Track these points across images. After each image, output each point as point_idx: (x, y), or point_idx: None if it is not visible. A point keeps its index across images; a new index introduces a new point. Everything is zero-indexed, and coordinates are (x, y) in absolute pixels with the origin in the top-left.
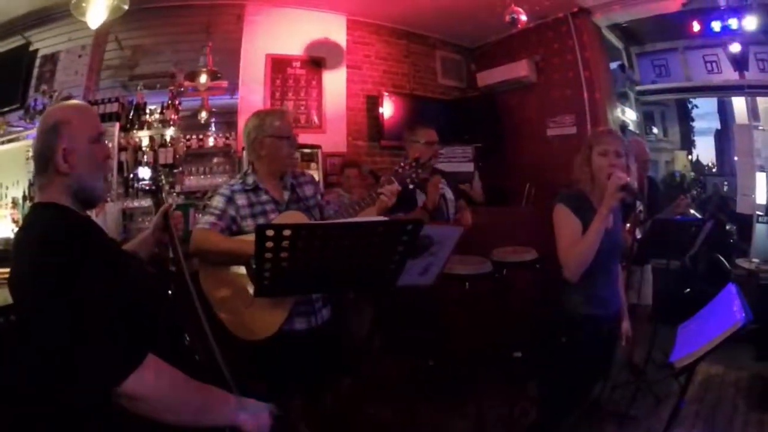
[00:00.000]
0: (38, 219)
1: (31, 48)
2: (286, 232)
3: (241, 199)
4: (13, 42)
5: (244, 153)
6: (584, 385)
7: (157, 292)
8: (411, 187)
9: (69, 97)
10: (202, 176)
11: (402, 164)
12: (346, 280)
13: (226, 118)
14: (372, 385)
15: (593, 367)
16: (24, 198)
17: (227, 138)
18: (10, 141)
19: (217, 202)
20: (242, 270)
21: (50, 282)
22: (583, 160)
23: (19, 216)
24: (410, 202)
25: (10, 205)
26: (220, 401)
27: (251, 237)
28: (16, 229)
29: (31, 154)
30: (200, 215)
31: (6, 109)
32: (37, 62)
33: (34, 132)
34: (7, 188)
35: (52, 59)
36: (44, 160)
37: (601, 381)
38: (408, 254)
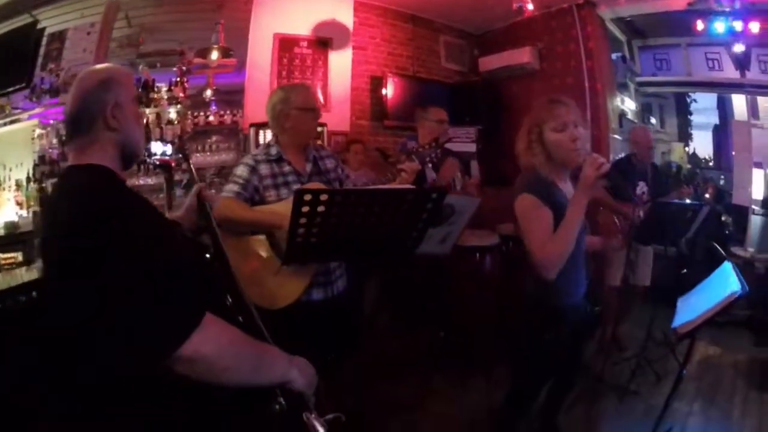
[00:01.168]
0: (82, 182)
1: (39, 26)
2: (323, 197)
3: (264, 170)
4: (21, 20)
5: (251, 130)
6: (563, 364)
7: (198, 256)
8: (430, 166)
9: (76, 75)
10: (208, 153)
11: (423, 144)
12: (371, 247)
13: (229, 96)
14: (383, 360)
15: (573, 350)
16: (28, 180)
17: (234, 116)
18: (12, 122)
19: (242, 171)
20: (263, 239)
21: (105, 247)
22: (533, 140)
23: (23, 198)
24: (422, 179)
25: (14, 187)
26: (275, 357)
27: (274, 207)
28: (17, 211)
29: (68, 114)
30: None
31: (11, 89)
32: (44, 40)
33: (38, 111)
34: (10, 170)
35: (59, 37)
36: (91, 117)
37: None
38: (431, 222)
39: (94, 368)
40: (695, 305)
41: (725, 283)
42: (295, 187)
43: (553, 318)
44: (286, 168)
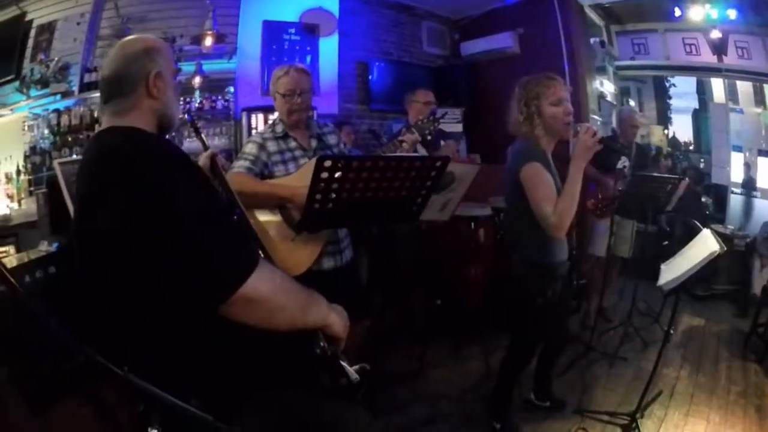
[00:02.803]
0: (123, 140)
1: (27, 18)
2: (342, 163)
3: (272, 146)
4: (8, 13)
5: (243, 115)
6: (553, 323)
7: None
8: (429, 138)
9: (66, 66)
10: None
11: (421, 118)
12: (381, 213)
13: (219, 83)
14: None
15: (560, 310)
16: (18, 172)
17: (226, 102)
18: (1, 116)
19: (251, 148)
20: (270, 212)
21: (169, 196)
22: (533, 113)
23: (13, 191)
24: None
25: (4, 180)
26: (317, 298)
27: (285, 180)
28: (8, 204)
29: (107, 75)
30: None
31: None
32: (33, 32)
33: (27, 103)
34: None
35: (48, 28)
36: (132, 81)
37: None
38: (434, 189)
39: (156, 315)
40: (678, 265)
41: (705, 245)
42: (302, 161)
43: (550, 274)
44: (293, 144)
